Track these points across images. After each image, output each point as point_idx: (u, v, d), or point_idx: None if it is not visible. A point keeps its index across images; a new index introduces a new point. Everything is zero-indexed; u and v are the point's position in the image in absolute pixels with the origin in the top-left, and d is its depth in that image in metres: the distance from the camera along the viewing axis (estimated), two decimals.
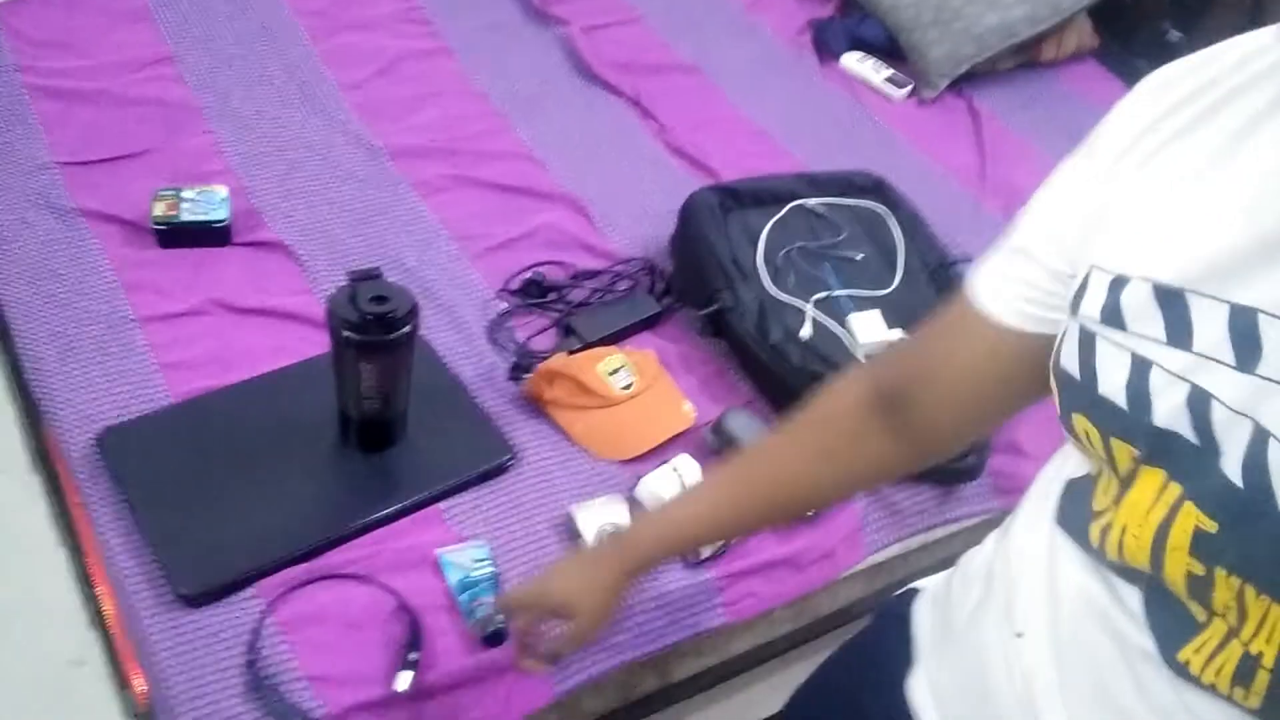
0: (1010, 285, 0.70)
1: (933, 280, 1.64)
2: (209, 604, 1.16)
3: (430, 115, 1.82)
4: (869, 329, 1.52)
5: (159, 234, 1.51)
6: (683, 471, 1.34)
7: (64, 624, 1.48)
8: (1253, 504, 0.50)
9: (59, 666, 1.48)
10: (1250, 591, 0.52)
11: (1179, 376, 0.54)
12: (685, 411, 1.44)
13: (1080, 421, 0.61)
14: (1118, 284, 0.59)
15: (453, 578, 1.21)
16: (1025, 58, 2.23)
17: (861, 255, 1.64)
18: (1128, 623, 0.60)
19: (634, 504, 1.33)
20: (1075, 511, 0.65)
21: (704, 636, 1.31)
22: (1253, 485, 0.50)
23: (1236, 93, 0.57)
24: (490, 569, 1.22)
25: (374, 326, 1.18)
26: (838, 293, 1.57)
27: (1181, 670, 0.57)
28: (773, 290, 1.54)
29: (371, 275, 1.21)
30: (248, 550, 1.20)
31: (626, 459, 1.38)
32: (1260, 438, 0.50)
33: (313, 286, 1.51)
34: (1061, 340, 0.63)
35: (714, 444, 1.41)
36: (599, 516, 1.29)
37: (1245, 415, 0.51)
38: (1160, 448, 0.56)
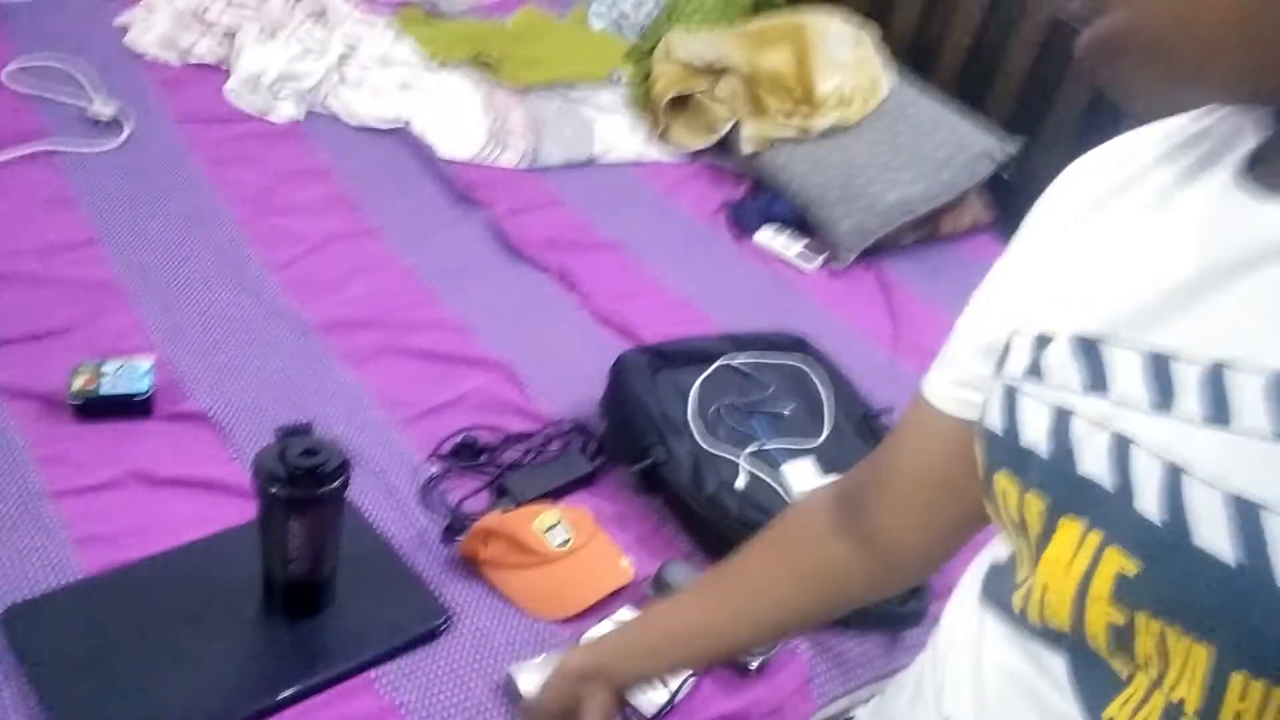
0: (948, 371, 0.73)
1: (859, 431, 1.67)
2: None
3: (357, 290, 1.85)
4: (802, 478, 1.53)
5: (76, 408, 1.47)
6: None
7: None
8: (1170, 540, 0.51)
9: None
10: (1172, 634, 0.52)
11: (1099, 424, 0.56)
12: (623, 567, 1.42)
13: (1000, 480, 0.62)
14: (1040, 342, 0.61)
15: None
16: (926, 231, 2.36)
17: (789, 409, 1.68)
18: (1052, 691, 0.59)
19: None
20: (999, 587, 0.65)
21: None
22: (1169, 521, 0.51)
23: (1156, 163, 0.61)
24: None
25: (303, 481, 1.15)
26: (769, 445, 1.59)
27: None
28: (705, 444, 1.55)
29: (301, 430, 1.19)
30: None
31: (565, 617, 1.34)
32: (1174, 474, 0.51)
33: (236, 456, 1.47)
34: (985, 403, 0.64)
35: (653, 598, 1.38)
36: (539, 676, 1.23)
37: (1158, 455, 0.53)
38: (1078, 496, 0.56)
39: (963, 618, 0.70)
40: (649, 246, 2.15)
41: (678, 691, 1.26)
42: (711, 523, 1.45)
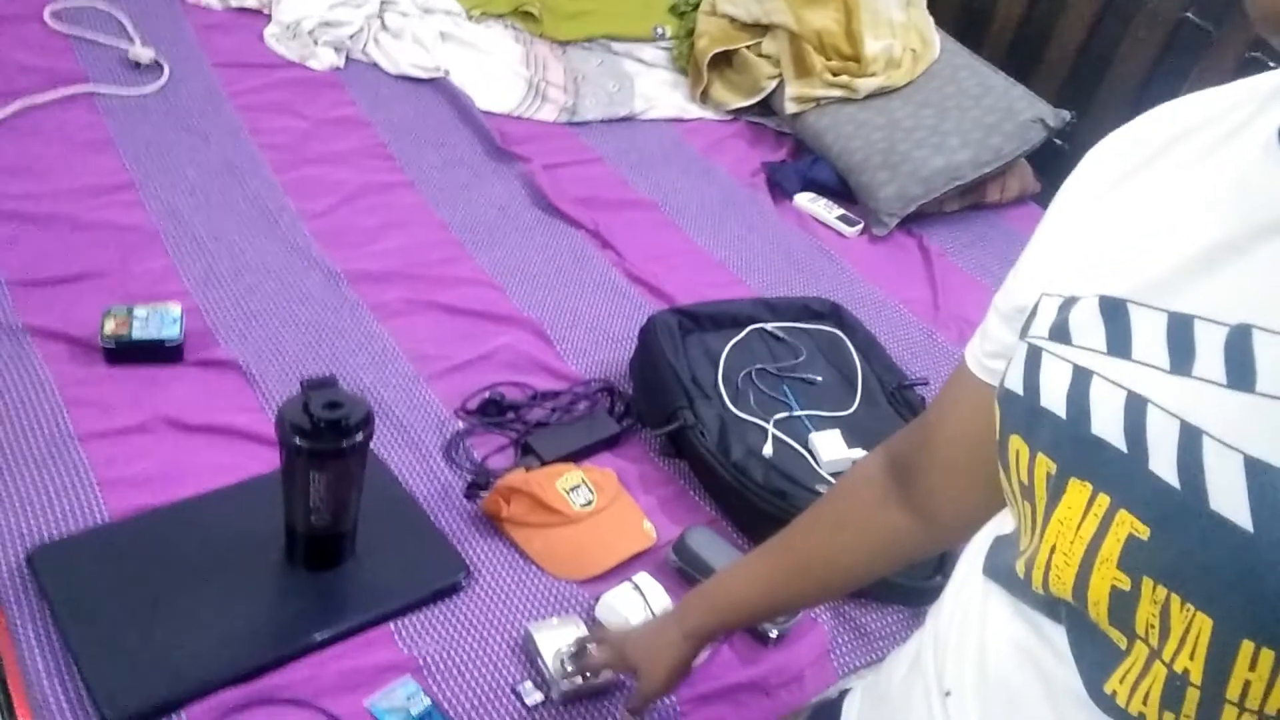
0: (986, 342, 0.73)
1: (892, 402, 1.64)
2: None
3: (390, 243, 1.84)
4: (831, 448, 1.51)
5: (107, 352, 1.48)
6: (644, 590, 1.30)
7: None
8: (1185, 503, 0.50)
9: None
10: (1175, 602, 0.51)
11: (1117, 384, 0.55)
12: (646, 530, 1.40)
13: (1013, 443, 0.61)
14: (1068, 304, 0.61)
15: None
16: (971, 199, 2.31)
17: (820, 378, 1.65)
18: (1055, 662, 0.59)
19: (593, 624, 1.27)
20: (1001, 558, 0.66)
21: None
22: (1187, 484, 0.50)
23: (1191, 130, 0.60)
24: (425, 701, 1.15)
25: (326, 434, 1.14)
26: (798, 413, 1.57)
27: (1108, 704, 0.56)
28: (733, 410, 1.53)
29: (326, 383, 1.18)
30: (181, 672, 1.12)
31: (585, 578, 1.34)
32: (1192, 436, 0.51)
33: (264, 405, 1.47)
34: (1008, 365, 0.64)
35: (676, 563, 1.37)
36: (557, 636, 1.23)
37: (1176, 416, 0.52)
38: (1089, 459, 0.56)
39: (965, 592, 0.70)
40: (685, 207, 2.12)
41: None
42: (736, 489, 1.43)
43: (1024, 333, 0.64)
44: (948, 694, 0.68)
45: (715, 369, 1.60)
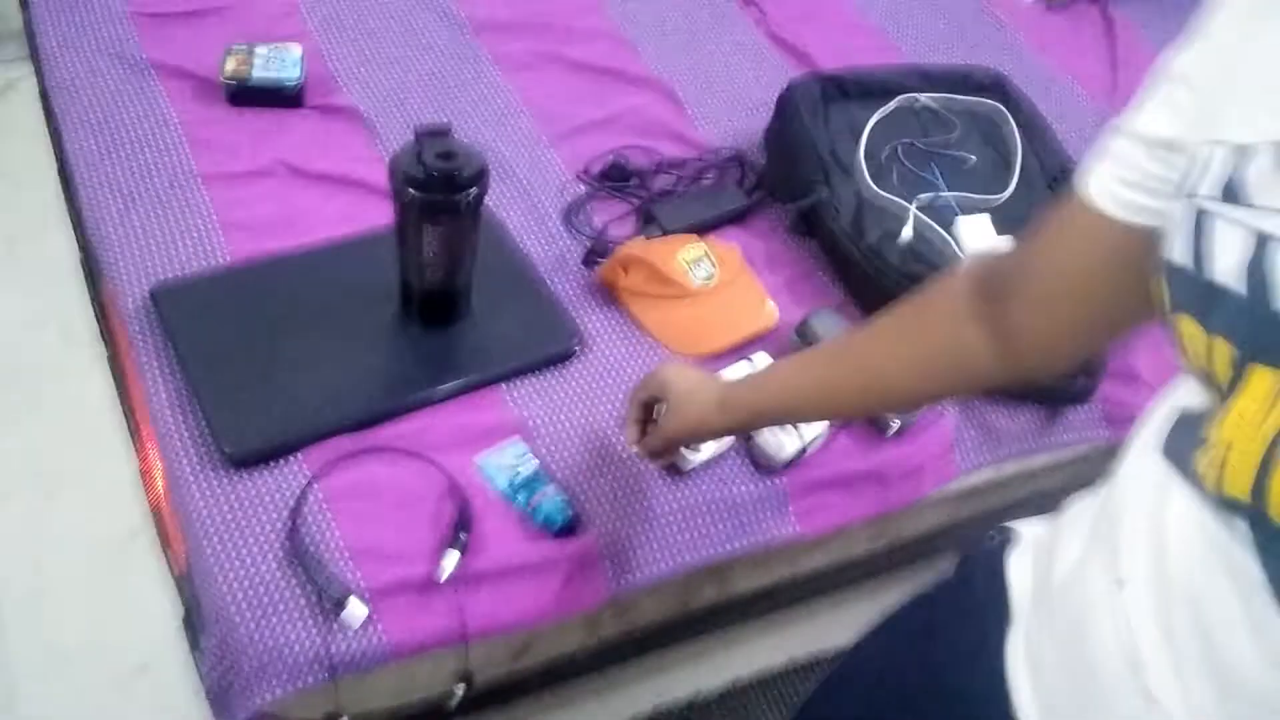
0: (1112, 168, 0.62)
1: (1052, 189, 1.50)
2: (254, 468, 1.10)
3: None
4: (977, 235, 1.39)
5: (228, 91, 1.44)
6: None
7: (122, 491, 1.46)
8: None
9: (118, 534, 1.46)
10: None
11: None
12: (768, 310, 1.34)
13: (1184, 323, 0.52)
14: (1241, 155, 0.49)
15: (500, 483, 1.13)
16: None
17: (974, 158, 1.51)
18: (1247, 558, 0.50)
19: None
20: (1183, 440, 0.56)
21: (771, 549, 1.22)
22: None
23: None
24: (534, 462, 1.15)
25: (439, 185, 1.09)
26: (945, 195, 1.44)
27: None
28: (873, 188, 1.42)
29: (440, 131, 1.12)
30: (298, 416, 1.14)
31: (701, 355, 1.29)
32: None
33: (383, 154, 1.43)
34: (1170, 232, 0.53)
35: (798, 346, 1.30)
36: None
37: None
38: (1273, 340, 0.46)
39: (1142, 469, 0.61)
40: None
41: (810, 443, 1.20)
42: (869, 274, 1.34)
43: (1187, 190, 0.53)
44: (1121, 583, 0.60)
45: (858, 142, 1.47)
